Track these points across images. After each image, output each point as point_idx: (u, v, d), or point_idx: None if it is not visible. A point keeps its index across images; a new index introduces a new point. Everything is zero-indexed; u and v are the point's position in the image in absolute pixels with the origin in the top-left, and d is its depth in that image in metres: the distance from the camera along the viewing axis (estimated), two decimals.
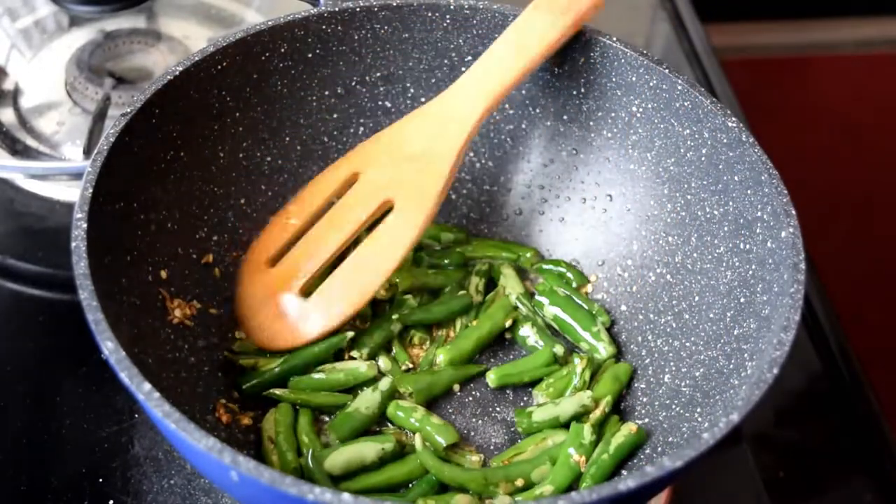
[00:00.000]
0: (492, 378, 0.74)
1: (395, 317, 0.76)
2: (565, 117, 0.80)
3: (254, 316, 0.75)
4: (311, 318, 0.73)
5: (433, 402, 0.74)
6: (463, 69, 0.80)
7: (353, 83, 0.81)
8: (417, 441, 0.68)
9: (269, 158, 0.80)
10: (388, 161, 0.75)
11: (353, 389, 0.73)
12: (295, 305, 0.74)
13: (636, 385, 0.74)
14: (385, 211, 0.75)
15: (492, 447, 0.72)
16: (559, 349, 0.75)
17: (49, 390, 0.76)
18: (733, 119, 0.71)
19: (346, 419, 0.70)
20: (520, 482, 0.68)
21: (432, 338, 0.77)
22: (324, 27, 0.78)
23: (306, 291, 0.74)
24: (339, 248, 0.75)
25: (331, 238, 0.75)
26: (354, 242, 0.75)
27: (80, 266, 0.60)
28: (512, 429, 0.73)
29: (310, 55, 0.78)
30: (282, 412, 0.71)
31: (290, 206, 0.77)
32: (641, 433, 0.69)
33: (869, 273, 1.46)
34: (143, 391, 0.56)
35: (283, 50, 0.77)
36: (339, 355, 0.75)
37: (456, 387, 0.75)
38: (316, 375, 0.72)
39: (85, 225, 0.62)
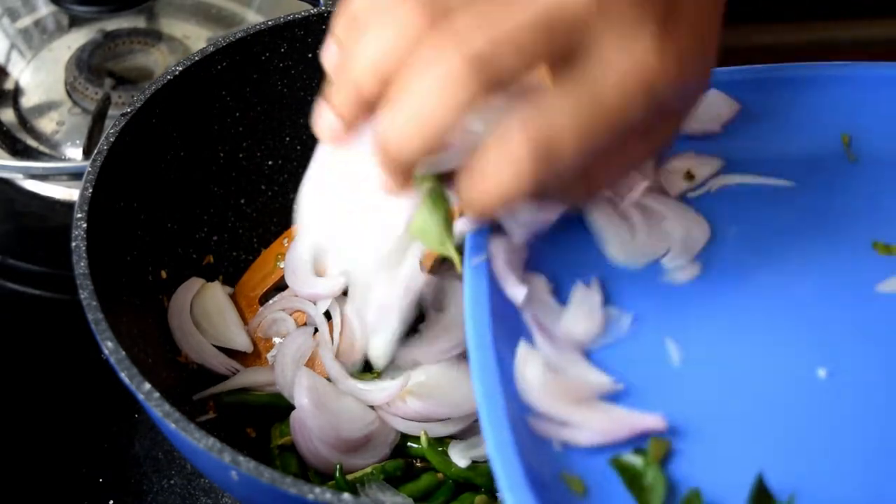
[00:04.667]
0: None
1: None
2: None
3: None
4: None
5: None
6: None
7: None
8: (423, 439, 0.68)
9: (269, 159, 0.80)
10: None
11: None
12: None
13: None
14: None
15: None
16: None
17: (49, 390, 0.76)
18: None
19: None
20: None
21: None
22: (324, 27, 0.78)
23: None
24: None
25: None
26: None
27: (80, 266, 0.60)
28: None
29: (310, 55, 0.78)
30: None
31: (284, 239, 0.76)
32: None
33: None
34: (143, 391, 0.56)
35: (283, 50, 0.77)
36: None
37: None
38: None
39: (85, 225, 0.62)
